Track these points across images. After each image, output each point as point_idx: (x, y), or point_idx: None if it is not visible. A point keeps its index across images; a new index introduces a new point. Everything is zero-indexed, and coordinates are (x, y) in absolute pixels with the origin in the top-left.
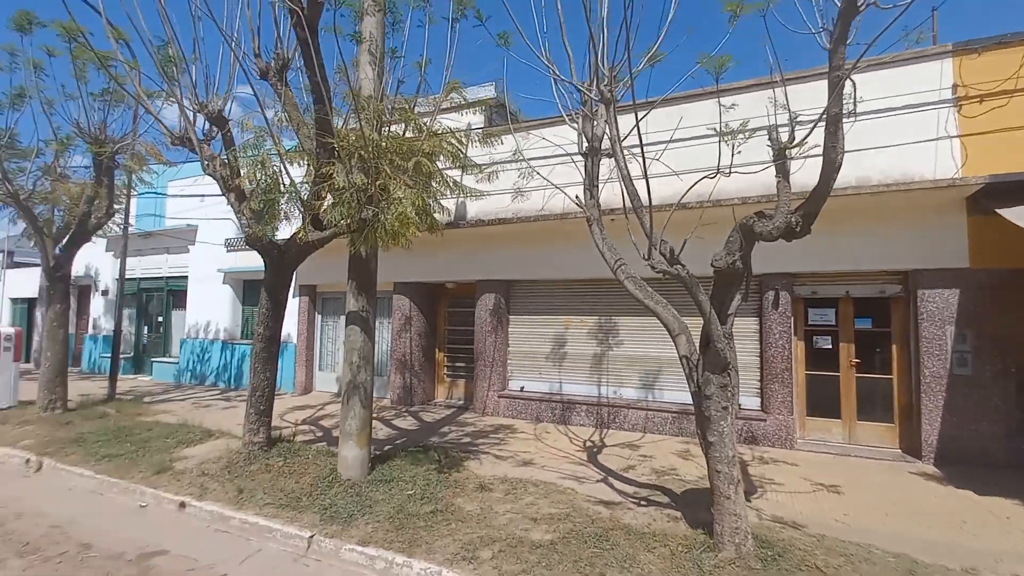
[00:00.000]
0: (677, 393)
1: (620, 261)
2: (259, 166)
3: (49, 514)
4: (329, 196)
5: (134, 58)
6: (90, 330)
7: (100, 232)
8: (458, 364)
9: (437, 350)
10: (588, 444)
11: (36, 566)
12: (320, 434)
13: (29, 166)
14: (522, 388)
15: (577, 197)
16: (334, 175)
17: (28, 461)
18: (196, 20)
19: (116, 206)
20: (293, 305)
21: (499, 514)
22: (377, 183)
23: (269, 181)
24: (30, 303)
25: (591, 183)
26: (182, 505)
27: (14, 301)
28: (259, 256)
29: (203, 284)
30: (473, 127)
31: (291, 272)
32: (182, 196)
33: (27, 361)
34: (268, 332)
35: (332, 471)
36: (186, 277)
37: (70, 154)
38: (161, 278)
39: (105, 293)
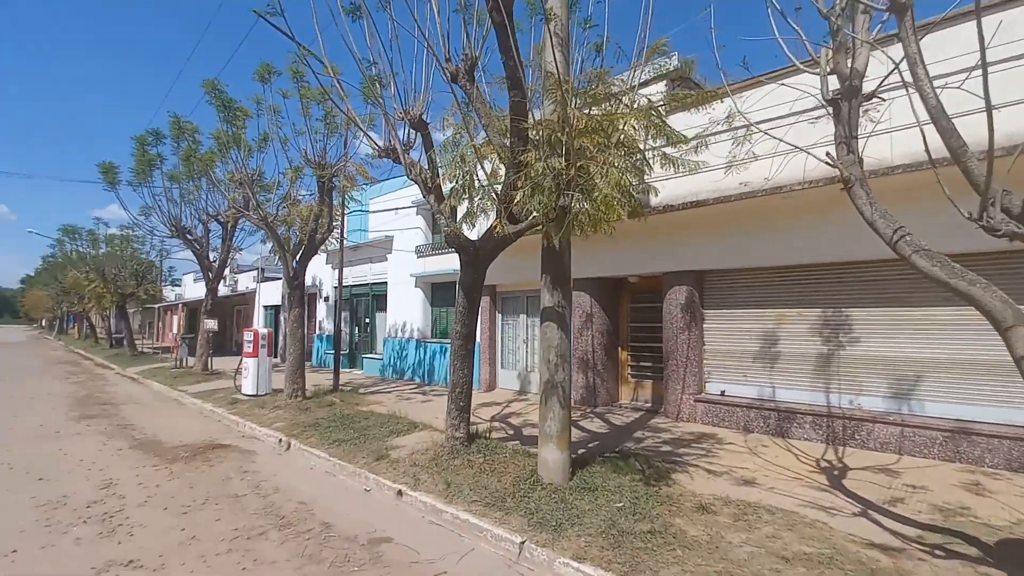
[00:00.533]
0: (949, 405)
1: (901, 231)
2: (459, 161)
3: (297, 490)
4: (521, 191)
5: (341, 88)
6: (316, 330)
7: (323, 247)
8: (643, 364)
9: (620, 349)
10: (823, 464)
11: (290, 540)
12: (511, 432)
13: (272, 197)
14: (722, 392)
15: (828, 155)
16: (530, 163)
17: (280, 441)
18: (394, 38)
19: (334, 223)
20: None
21: (733, 545)
22: (577, 165)
23: (466, 178)
24: (276, 309)
25: (848, 134)
26: (399, 493)
27: (266, 308)
28: (446, 261)
29: (399, 288)
30: (656, 100)
31: (485, 269)
32: (380, 211)
33: (274, 356)
34: (465, 330)
35: (532, 473)
36: (385, 283)
37: (300, 184)
38: (366, 284)
39: (326, 299)
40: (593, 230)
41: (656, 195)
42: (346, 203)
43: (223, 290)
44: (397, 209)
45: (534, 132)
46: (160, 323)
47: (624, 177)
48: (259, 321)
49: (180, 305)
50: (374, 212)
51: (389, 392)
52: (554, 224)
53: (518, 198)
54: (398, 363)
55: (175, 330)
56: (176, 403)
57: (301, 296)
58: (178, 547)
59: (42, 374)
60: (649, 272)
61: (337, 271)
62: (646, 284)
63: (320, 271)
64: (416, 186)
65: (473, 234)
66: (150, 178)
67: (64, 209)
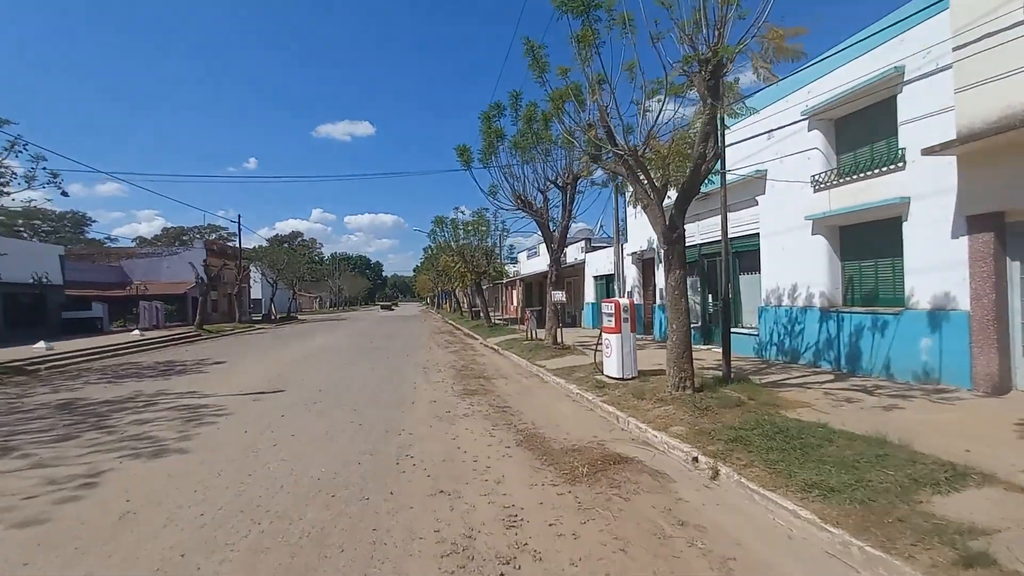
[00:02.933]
0: None
1: None
2: None
3: None
4: None
5: None
6: (657, 300)
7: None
8: None
9: None
10: None
11: None
12: None
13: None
14: None
15: None
16: None
17: (695, 460)
18: None
19: (719, 146)
20: (957, 247)
21: None
22: None
23: None
24: (607, 279)
25: None
26: None
27: (595, 279)
28: (870, 188)
29: (780, 239)
30: None
31: None
32: (744, 140)
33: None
34: None
35: None
36: (754, 235)
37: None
38: (720, 241)
39: None
40: None
41: None
42: (730, 110)
43: None
44: (771, 132)
45: None
46: (503, 297)
47: None
48: (590, 293)
49: (518, 281)
50: (730, 145)
51: (801, 385)
52: None
53: None
54: (786, 340)
55: (514, 303)
56: (539, 380)
57: (682, 252)
58: None
59: (429, 344)
60: None
61: (721, 216)
62: None
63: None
64: (807, 88)
65: None
66: (496, 153)
67: (437, 209)
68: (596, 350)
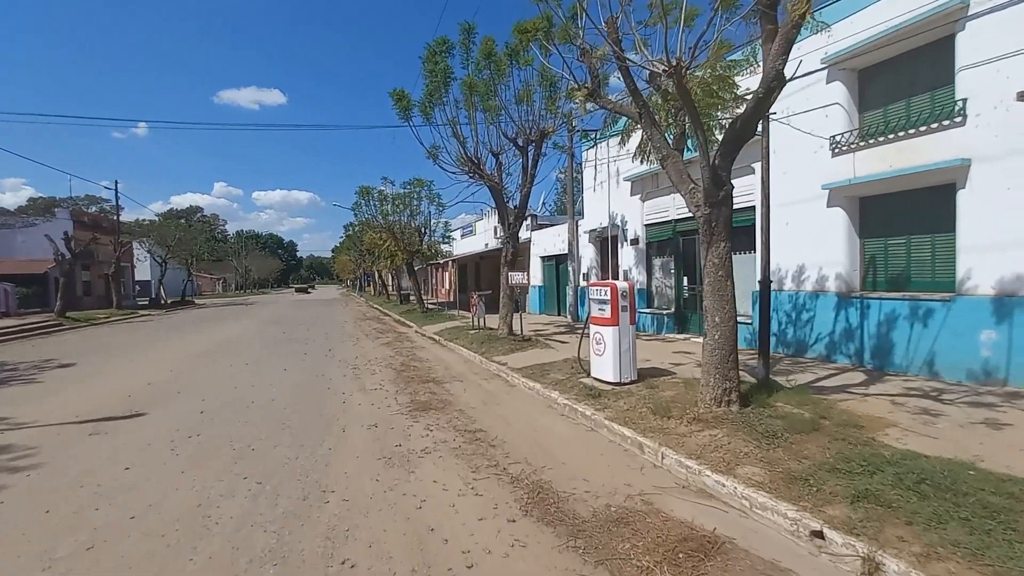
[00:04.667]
0: None
1: None
2: None
3: None
4: None
5: None
6: None
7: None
8: None
9: None
10: None
11: None
12: None
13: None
14: None
15: None
16: None
17: (819, 535)
18: None
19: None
20: None
21: None
22: None
23: None
24: (556, 260)
25: None
26: None
27: (543, 259)
28: (905, 151)
29: (785, 212)
30: None
31: None
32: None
33: (561, 314)
34: None
35: None
36: (748, 208)
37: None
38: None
39: (635, 242)
40: None
41: None
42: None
43: (493, 242)
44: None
45: None
46: (433, 280)
47: None
48: (537, 275)
49: (451, 262)
50: None
51: (839, 387)
52: None
53: None
54: (789, 330)
55: (446, 286)
56: (504, 383)
57: (729, 218)
58: None
59: (356, 334)
60: None
61: (646, 202)
62: None
63: (623, 205)
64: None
65: None
66: (441, 104)
67: (359, 183)
68: (580, 346)
